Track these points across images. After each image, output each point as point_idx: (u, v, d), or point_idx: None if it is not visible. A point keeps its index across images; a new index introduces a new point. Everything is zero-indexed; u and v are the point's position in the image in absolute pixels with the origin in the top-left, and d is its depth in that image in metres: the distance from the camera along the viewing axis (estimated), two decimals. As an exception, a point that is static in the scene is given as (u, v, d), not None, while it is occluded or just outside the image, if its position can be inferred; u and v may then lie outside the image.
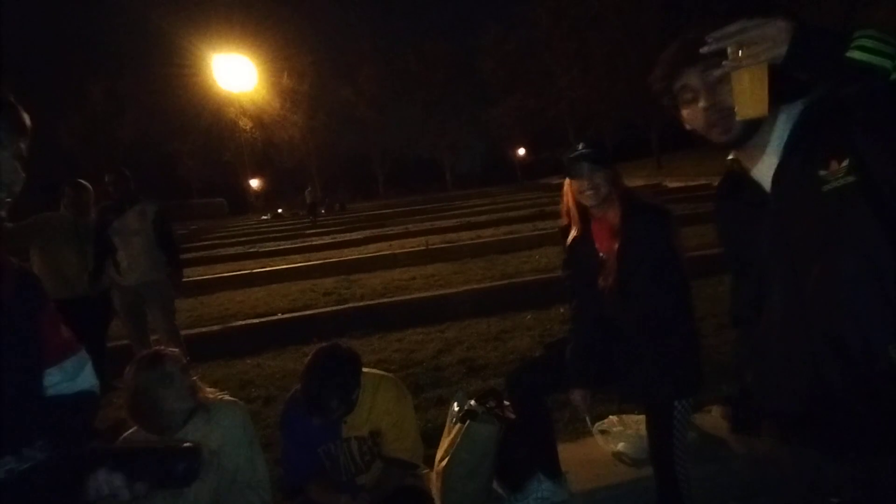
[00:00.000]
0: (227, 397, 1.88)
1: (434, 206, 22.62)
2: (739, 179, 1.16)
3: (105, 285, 4.29)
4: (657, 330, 1.83)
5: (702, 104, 1.08)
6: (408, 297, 6.32)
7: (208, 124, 38.79)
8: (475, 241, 10.43)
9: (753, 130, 1.06)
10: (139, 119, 38.10)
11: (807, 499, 1.15)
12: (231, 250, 13.94)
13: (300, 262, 10.19)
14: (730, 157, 1.20)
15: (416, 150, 47.07)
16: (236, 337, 5.40)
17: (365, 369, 1.93)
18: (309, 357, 1.84)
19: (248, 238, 17.17)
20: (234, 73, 30.02)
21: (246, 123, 37.82)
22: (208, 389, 1.83)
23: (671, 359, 1.83)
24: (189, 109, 37.79)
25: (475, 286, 6.43)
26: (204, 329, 5.72)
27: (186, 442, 1.10)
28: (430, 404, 3.40)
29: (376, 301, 6.25)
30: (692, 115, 1.12)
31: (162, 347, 1.88)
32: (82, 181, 4.49)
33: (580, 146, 1.86)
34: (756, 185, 1.11)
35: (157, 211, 4.38)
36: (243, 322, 5.94)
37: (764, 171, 1.09)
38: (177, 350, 1.84)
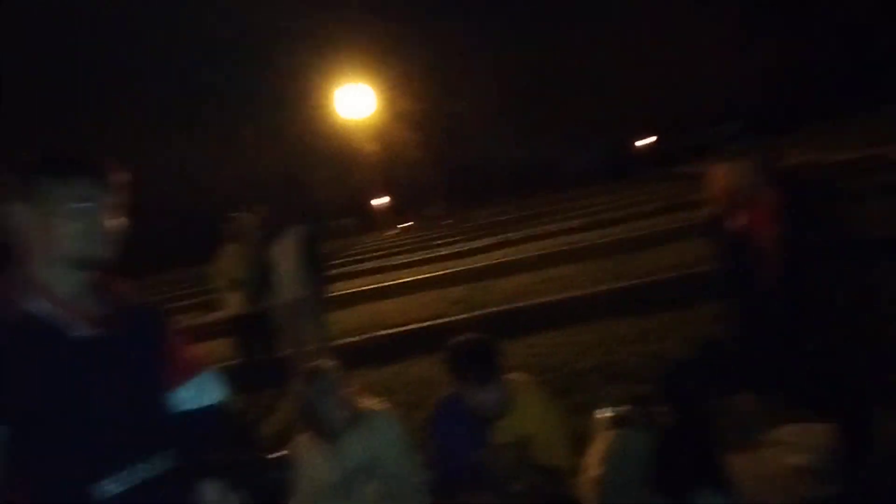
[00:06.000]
0: (381, 405, 1.96)
1: (556, 206, 22.20)
2: None
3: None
4: (834, 324, 1.60)
5: None
6: (538, 300, 6.23)
7: (336, 152, 42.00)
8: (604, 241, 10.03)
9: None
10: (280, 154, 42.34)
11: None
12: (366, 265, 14.83)
13: (430, 273, 10.54)
14: None
15: (531, 153, 46.63)
16: (376, 347, 5.69)
17: (511, 375, 1.92)
18: (448, 352, 1.88)
19: (380, 253, 18.17)
20: (356, 102, 32.24)
21: (371, 147, 40.39)
22: (364, 398, 1.93)
23: (856, 357, 1.58)
24: (319, 141, 41.25)
25: (607, 286, 6.16)
26: (346, 340, 6.11)
27: (277, 454, 1.19)
28: (568, 411, 3.29)
29: (506, 307, 6.25)
30: None
31: (321, 361, 2.03)
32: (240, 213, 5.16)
33: (736, 125, 1.70)
34: None
35: (310, 233, 4.81)
36: (381, 332, 6.27)
37: None
38: (334, 363, 1.98)
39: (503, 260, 10.20)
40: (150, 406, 1.22)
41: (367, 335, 6.23)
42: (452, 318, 6.24)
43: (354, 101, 32.12)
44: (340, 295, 9.65)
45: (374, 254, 18.35)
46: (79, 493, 1.09)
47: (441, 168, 44.35)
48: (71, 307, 1.14)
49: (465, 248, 14.00)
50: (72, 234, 1.11)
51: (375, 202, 40.06)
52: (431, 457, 2.07)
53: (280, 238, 4.70)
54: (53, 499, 1.08)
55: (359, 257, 18.15)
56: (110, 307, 1.20)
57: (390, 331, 6.25)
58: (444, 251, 14.53)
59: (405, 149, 42.01)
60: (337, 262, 17.43)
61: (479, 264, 10.31)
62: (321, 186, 43.47)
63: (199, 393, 1.30)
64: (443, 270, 10.47)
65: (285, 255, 4.67)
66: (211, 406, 1.32)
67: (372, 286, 10.19)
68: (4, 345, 1.07)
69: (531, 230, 15.22)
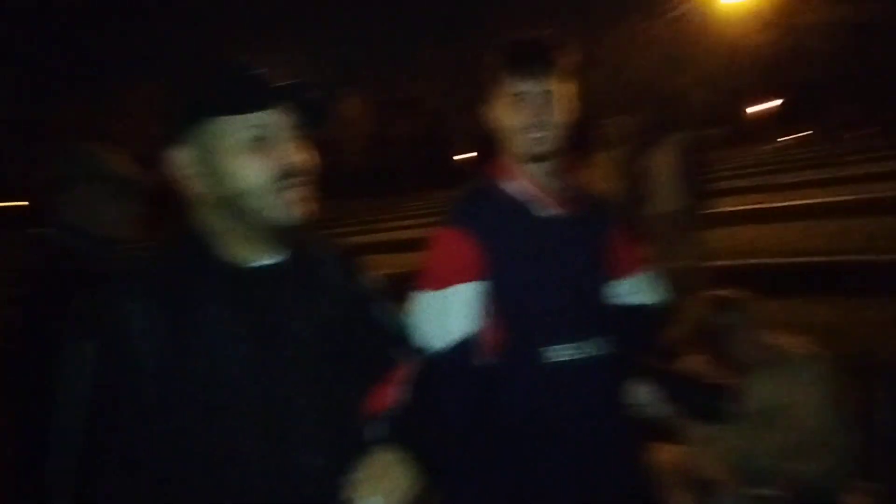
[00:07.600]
0: (809, 348, 1.76)
1: None
2: None
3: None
4: None
5: None
6: None
7: (712, 46, 36.09)
8: None
9: None
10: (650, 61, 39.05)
11: None
12: (739, 182, 13.08)
13: (829, 198, 8.60)
14: None
15: None
16: (753, 275, 5.11)
17: None
18: None
19: (758, 169, 15.73)
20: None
21: (753, 40, 33.22)
22: (786, 338, 1.77)
23: None
24: (691, 34, 36.06)
25: None
26: (718, 263, 5.56)
27: (725, 382, 1.17)
28: None
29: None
30: None
31: (733, 291, 1.82)
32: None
33: None
34: None
35: (691, 141, 4.55)
36: (760, 261, 5.57)
37: None
38: (745, 294, 1.79)
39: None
40: (596, 289, 1.29)
41: (743, 261, 5.63)
42: (862, 258, 5.07)
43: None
44: (714, 213, 8.76)
45: (751, 169, 15.93)
46: (534, 351, 1.22)
47: (850, 64, 32.82)
48: (541, 191, 1.26)
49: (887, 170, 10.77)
50: (515, 127, 1.22)
51: (756, 108, 33.68)
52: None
53: (656, 147, 4.52)
54: (513, 351, 1.23)
55: (731, 173, 16.12)
56: (572, 193, 1.30)
57: (772, 260, 5.51)
58: (855, 170, 11.53)
59: (798, 40, 32.47)
60: (711, 176, 15.78)
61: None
62: (692, 90, 38.58)
63: (638, 290, 1.34)
64: (848, 195, 8.40)
65: (662, 164, 4.49)
66: (649, 305, 1.36)
67: (745, 207, 8.93)
68: (488, 216, 1.25)
69: None
